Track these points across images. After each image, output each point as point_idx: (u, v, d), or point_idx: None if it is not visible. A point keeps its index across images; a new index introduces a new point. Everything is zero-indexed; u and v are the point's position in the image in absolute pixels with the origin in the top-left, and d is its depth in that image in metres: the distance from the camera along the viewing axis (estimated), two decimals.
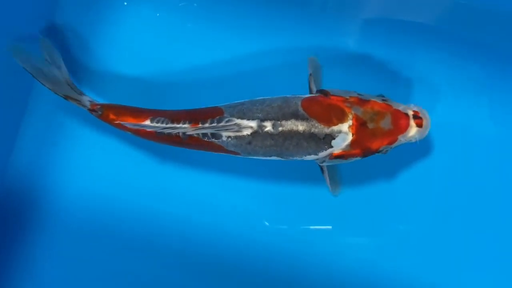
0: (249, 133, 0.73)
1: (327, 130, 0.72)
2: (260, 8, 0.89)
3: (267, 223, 0.87)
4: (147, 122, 0.76)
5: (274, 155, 0.76)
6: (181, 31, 0.90)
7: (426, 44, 0.89)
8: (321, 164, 0.80)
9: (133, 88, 0.88)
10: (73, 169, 0.88)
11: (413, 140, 0.76)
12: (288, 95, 0.76)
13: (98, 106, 0.78)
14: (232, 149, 0.76)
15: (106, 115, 0.77)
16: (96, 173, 0.88)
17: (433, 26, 0.89)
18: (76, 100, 0.78)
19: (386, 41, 0.88)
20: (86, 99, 0.78)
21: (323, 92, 0.76)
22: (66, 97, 0.78)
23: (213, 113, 0.75)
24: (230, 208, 0.87)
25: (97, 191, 0.87)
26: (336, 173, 0.85)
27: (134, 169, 0.88)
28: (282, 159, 0.77)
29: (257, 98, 0.76)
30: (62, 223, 0.87)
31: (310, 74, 0.83)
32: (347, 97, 0.74)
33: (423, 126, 0.75)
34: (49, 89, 0.77)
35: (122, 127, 0.78)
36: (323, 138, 0.73)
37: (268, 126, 0.73)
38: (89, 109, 0.78)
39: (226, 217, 0.87)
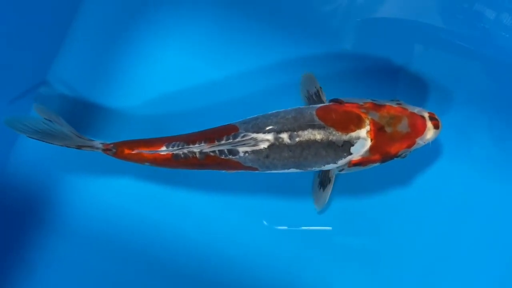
0: (266, 146, 0.72)
1: (345, 137, 0.72)
2: (266, 24, 0.90)
3: (265, 223, 0.86)
4: (163, 148, 0.75)
5: (293, 167, 0.75)
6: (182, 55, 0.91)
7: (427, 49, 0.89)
8: (339, 173, 0.79)
9: (142, 123, 0.88)
10: (76, 173, 0.88)
11: (427, 143, 0.75)
12: (301, 106, 0.76)
13: (111, 145, 0.77)
14: (249, 164, 0.75)
15: (120, 152, 0.77)
16: (96, 180, 0.88)
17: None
18: (88, 146, 0.77)
19: (392, 52, 0.89)
20: (97, 143, 0.77)
21: (337, 101, 0.76)
22: (79, 147, 0.77)
23: (228, 131, 0.75)
24: (228, 207, 0.86)
25: (97, 198, 0.87)
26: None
27: (139, 178, 0.88)
28: (301, 170, 0.76)
29: (271, 112, 0.76)
30: (62, 227, 0.86)
31: (320, 88, 0.83)
32: (362, 103, 0.74)
33: (439, 127, 0.74)
34: (61, 145, 0.76)
35: (138, 159, 0.77)
36: (342, 146, 0.72)
37: (285, 137, 0.72)
38: (103, 150, 0.77)
39: (225, 215, 0.86)
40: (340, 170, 0.77)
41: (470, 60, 0.88)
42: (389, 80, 0.88)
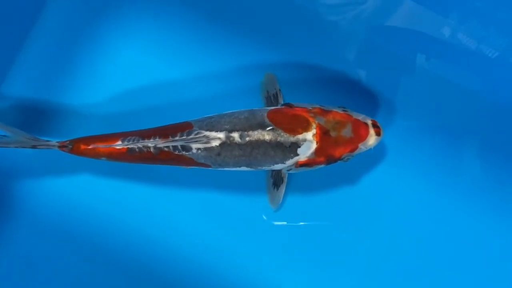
0: (217, 144, 0.76)
1: (292, 138, 0.76)
2: (229, 28, 0.93)
3: (264, 217, 0.89)
4: (119, 143, 0.78)
5: (244, 165, 0.79)
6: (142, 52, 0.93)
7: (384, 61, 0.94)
8: (288, 172, 0.83)
9: (101, 120, 0.90)
10: (34, 173, 0.89)
11: (369, 149, 0.80)
12: (254, 108, 0.80)
13: (67, 142, 0.79)
14: (202, 161, 0.78)
15: (77, 148, 0.79)
16: (55, 179, 0.89)
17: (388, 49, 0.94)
18: (44, 145, 0.79)
19: (345, 57, 0.93)
20: (53, 142, 0.80)
21: (288, 105, 0.80)
22: (34, 147, 0.79)
23: (183, 128, 0.78)
24: (228, 203, 0.89)
25: (56, 196, 0.88)
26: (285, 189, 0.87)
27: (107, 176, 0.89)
28: (252, 169, 0.80)
29: (226, 112, 0.80)
30: (22, 225, 0.87)
31: (279, 90, 0.87)
32: (310, 108, 0.79)
33: (380, 134, 0.80)
34: (16, 147, 0.78)
35: (95, 154, 0.79)
36: (289, 147, 0.76)
37: (236, 136, 0.76)
38: (59, 147, 0.79)
39: (224, 212, 0.89)
40: (288, 170, 0.81)
41: (419, 76, 0.93)
42: (342, 89, 0.92)
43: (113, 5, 0.93)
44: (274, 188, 0.87)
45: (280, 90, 0.87)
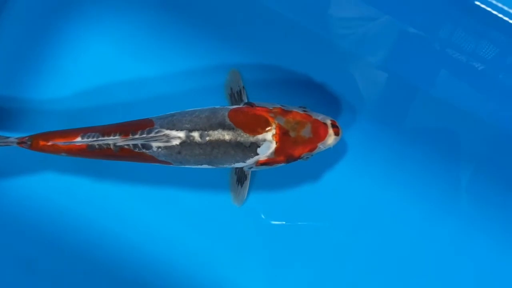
0: (178, 143, 0.77)
1: (252, 138, 0.77)
2: (197, 25, 0.93)
3: (263, 216, 0.90)
4: (78, 139, 0.78)
5: (205, 164, 0.80)
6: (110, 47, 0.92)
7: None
8: (249, 170, 0.85)
9: (64, 115, 0.89)
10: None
11: (328, 148, 0.82)
12: (216, 106, 0.81)
13: (26, 138, 0.79)
14: (163, 159, 0.79)
15: (36, 144, 0.79)
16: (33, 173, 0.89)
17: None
18: (2, 142, 0.79)
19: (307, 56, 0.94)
20: (12, 139, 0.79)
21: (249, 104, 0.81)
22: None
23: (144, 125, 0.78)
24: (227, 203, 0.89)
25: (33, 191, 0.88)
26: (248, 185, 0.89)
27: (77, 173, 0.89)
28: (213, 167, 0.81)
29: (188, 110, 0.80)
30: None
31: (243, 87, 0.88)
32: (271, 108, 0.80)
33: (339, 134, 0.81)
34: None
35: (54, 150, 0.79)
36: (249, 146, 0.77)
37: (196, 136, 0.77)
38: (18, 143, 0.79)
39: (223, 211, 0.90)
40: (250, 168, 0.82)
41: (379, 78, 0.94)
42: (305, 89, 0.93)
43: None
44: (238, 184, 0.88)
45: (244, 87, 0.88)
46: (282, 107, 0.80)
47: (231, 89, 0.89)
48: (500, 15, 0.82)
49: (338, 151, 0.91)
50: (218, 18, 0.93)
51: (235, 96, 0.88)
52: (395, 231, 0.91)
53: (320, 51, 0.93)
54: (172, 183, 0.91)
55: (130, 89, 0.90)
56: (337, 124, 0.82)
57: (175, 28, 0.92)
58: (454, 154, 0.92)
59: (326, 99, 0.92)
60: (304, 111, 0.81)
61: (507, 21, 0.82)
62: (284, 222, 0.91)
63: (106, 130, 0.78)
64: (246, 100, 0.87)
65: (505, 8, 0.80)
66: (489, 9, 0.82)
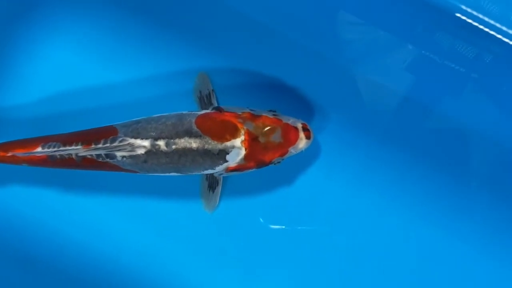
0: (143, 152, 0.74)
1: (220, 146, 0.75)
2: (164, 30, 0.90)
3: (261, 220, 0.89)
4: (39, 149, 0.75)
5: (173, 171, 0.77)
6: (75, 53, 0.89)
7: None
8: (219, 176, 0.82)
9: (27, 123, 0.86)
10: None
11: (300, 151, 0.80)
12: (184, 112, 0.78)
13: None
14: (128, 168, 0.76)
15: None
16: None
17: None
18: None
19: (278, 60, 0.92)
20: None
21: (218, 109, 0.79)
22: None
23: (107, 133, 0.75)
24: (226, 205, 0.88)
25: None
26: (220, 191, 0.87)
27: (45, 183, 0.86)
28: (182, 174, 0.78)
29: (154, 116, 0.77)
30: None
31: (212, 90, 0.85)
32: (240, 113, 0.77)
33: (310, 137, 0.79)
34: None
35: (14, 161, 0.76)
36: (218, 154, 0.75)
37: (162, 144, 0.74)
38: None
39: (221, 214, 0.88)
40: (220, 174, 0.80)
41: (353, 80, 0.92)
42: (277, 93, 0.91)
43: (41, 2, 0.88)
44: (209, 190, 0.86)
45: (213, 90, 0.85)
46: (251, 112, 0.78)
47: (200, 92, 0.86)
48: (475, 24, 0.81)
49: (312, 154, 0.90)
50: (184, 22, 0.90)
51: (204, 100, 0.85)
52: (375, 234, 0.91)
53: (292, 53, 0.91)
54: (142, 191, 0.88)
55: (94, 96, 0.87)
56: (308, 127, 0.80)
57: (140, 32, 0.89)
58: (428, 157, 0.91)
59: (298, 102, 0.91)
60: (274, 115, 0.79)
61: (491, 34, 0.81)
62: (275, 224, 0.90)
63: (68, 139, 0.75)
64: (215, 104, 0.84)
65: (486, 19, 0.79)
66: (469, 20, 0.82)
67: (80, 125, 0.79)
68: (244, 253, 0.89)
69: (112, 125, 0.77)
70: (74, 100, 0.87)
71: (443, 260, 0.90)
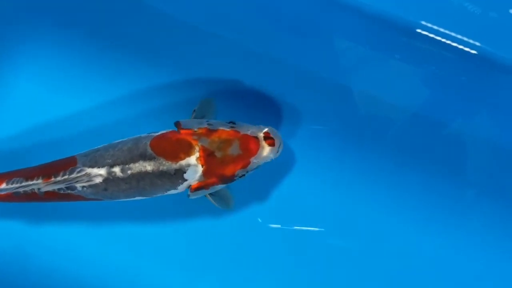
0: (101, 181, 0.74)
1: (175, 165, 0.74)
2: (124, 54, 0.91)
3: (260, 220, 0.90)
4: (4, 186, 0.76)
5: (137, 196, 0.77)
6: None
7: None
8: (190, 197, 0.82)
9: None
10: None
11: (270, 160, 0.78)
12: (142, 135, 0.78)
13: None
14: (92, 197, 0.77)
15: None
16: None
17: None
18: None
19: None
20: None
21: (176, 124, 0.78)
22: None
23: (66, 165, 0.76)
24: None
25: None
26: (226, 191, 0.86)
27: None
28: (147, 197, 0.78)
29: (114, 142, 0.78)
30: None
31: (194, 110, 0.84)
32: (196, 129, 0.76)
33: (276, 145, 0.77)
34: None
35: None
36: (174, 174, 0.75)
37: (117, 171, 0.74)
38: None
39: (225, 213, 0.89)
40: (188, 195, 0.79)
41: (323, 86, 0.91)
42: (248, 100, 0.91)
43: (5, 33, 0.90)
44: (211, 197, 0.84)
45: (195, 110, 0.84)
46: (208, 127, 0.77)
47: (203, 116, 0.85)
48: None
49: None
50: (144, 43, 0.90)
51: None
52: (373, 235, 0.90)
53: (254, 61, 0.90)
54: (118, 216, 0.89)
55: (59, 126, 0.89)
56: (272, 135, 0.78)
57: (103, 57, 0.90)
58: (401, 155, 0.90)
59: (272, 108, 0.90)
60: (232, 127, 0.78)
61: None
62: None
63: (30, 174, 0.76)
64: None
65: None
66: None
67: (48, 157, 0.80)
68: (244, 253, 0.90)
69: (74, 156, 0.77)
70: (41, 132, 0.88)
71: (441, 261, 0.90)
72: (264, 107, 0.90)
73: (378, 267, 0.89)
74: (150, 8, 0.88)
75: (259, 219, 0.90)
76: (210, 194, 0.83)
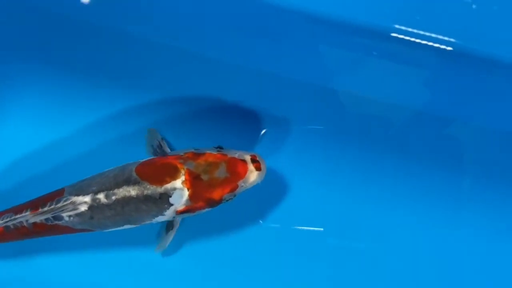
0: (86, 208, 0.74)
1: (160, 189, 0.73)
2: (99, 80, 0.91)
3: (261, 222, 0.88)
4: None
5: (126, 224, 0.76)
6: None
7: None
8: (175, 221, 0.80)
9: None
10: None
11: (255, 183, 0.77)
12: (129, 162, 0.78)
13: None
14: (79, 227, 0.76)
15: None
16: None
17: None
18: None
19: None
20: None
21: (163, 154, 0.78)
22: None
23: (54, 196, 0.76)
24: (228, 208, 0.85)
25: None
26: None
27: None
28: (135, 225, 0.77)
29: (101, 172, 0.78)
30: None
31: (162, 139, 0.85)
32: (182, 154, 0.76)
33: (262, 169, 0.76)
34: None
35: None
36: (160, 198, 0.74)
37: (102, 197, 0.74)
38: None
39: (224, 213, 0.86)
40: (173, 219, 0.78)
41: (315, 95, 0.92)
42: (228, 121, 0.91)
43: None
44: (165, 232, 0.83)
45: (162, 139, 0.85)
46: (195, 151, 0.77)
47: (152, 146, 0.85)
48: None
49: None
50: (120, 68, 0.91)
51: (157, 151, 0.85)
52: (373, 235, 0.89)
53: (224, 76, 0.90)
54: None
55: (48, 160, 0.89)
56: (258, 159, 0.77)
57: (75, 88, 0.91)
58: (400, 152, 0.90)
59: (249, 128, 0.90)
60: (219, 151, 0.77)
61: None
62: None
63: (19, 208, 0.76)
64: (168, 150, 0.84)
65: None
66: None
67: (39, 192, 0.79)
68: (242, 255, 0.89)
69: (63, 188, 0.78)
70: (32, 167, 0.89)
71: (439, 261, 0.88)
72: (252, 118, 0.91)
73: (378, 267, 0.87)
74: (122, 33, 0.90)
75: (260, 221, 0.89)
76: (166, 227, 0.83)
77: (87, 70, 0.91)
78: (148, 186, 0.73)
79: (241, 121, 0.90)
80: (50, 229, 0.76)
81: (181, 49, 0.89)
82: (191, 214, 0.76)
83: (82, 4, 0.88)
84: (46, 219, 0.75)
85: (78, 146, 0.90)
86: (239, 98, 0.90)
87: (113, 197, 0.73)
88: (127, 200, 0.73)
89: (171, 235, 0.82)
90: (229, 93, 0.90)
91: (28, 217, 0.75)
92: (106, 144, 0.90)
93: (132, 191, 0.73)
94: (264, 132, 0.91)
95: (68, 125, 0.90)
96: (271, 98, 0.90)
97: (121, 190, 0.73)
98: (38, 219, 0.74)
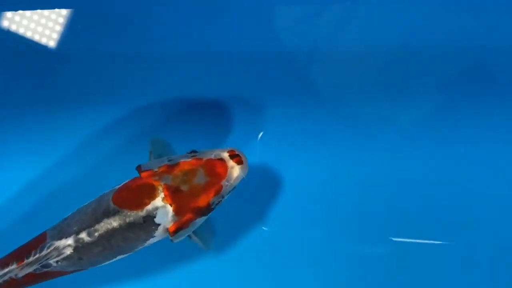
0: (72, 251, 0.70)
1: (142, 213, 0.69)
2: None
3: (264, 228, 0.88)
4: None
5: (117, 255, 0.73)
6: None
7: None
8: (174, 242, 0.77)
9: None
10: None
11: (240, 178, 0.73)
12: (105, 191, 0.74)
13: None
14: (71, 269, 0.73)
15: None
16: None
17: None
18: None
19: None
20: None
21: (137, 168, 0.73)
22: None
23: (37, 243, 0.72)
24: (229, 215, 0.87)
25: None
26: (208, 227, 0.84)
27: None
28: (129, 253, 0.74)
29: (80, 207, 0.74)
30: None
31: (150, 152, 0.81)
32: (156, 169, 0.72)
33: (243, 162, 0.72)
34: None
35: None
36: (144, 222, 0.70)
37: (84, 236, 0.70)
38: None
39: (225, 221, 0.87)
40: (171, 240, 0.74)
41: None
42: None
43: None
44: (189, 239, 0.81)
45: (151, 152, 0.84)
46: (168, 163, 0.72)
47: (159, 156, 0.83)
48: None
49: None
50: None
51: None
52: (373, 235, 0.88)
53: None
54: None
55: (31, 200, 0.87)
56: (236, 153, 0.73)
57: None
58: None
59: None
60: (193, 156, 0.73)
61: None
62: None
63: (5, 261, 0.73)
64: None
65: None
66: None
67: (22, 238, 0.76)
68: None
69: (44, 232, 0.74)
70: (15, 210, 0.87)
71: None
72: (252, 118, 0.90)
73: (382, 270, 0.86)
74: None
75: (263, 228, 0.87)
76: (194, 233, 0.78)
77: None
78: (128, 213, 0.69)
79: (241, 121, 0.89)
80: (42, 277, 0.73)
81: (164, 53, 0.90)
82: (188, 229, 0.72)
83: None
84: (35, 270, 0.71)
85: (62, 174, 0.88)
86: (237, 97, 0.89)
87: (96, 234, 0.69)
88: (111, 233, 0.69)
89: (195, 237, 0.80)
90: (227, 92, 0.89)
91: (16, 272, 0.71)
92: (91, 169, 0.89)
93: (114, 222, 0.69)
94: (264, 133, 0.89)
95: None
96: (268, 96, 0.89)
97: (102, 224, 0.69)
98: (26, 271, 0.71)
